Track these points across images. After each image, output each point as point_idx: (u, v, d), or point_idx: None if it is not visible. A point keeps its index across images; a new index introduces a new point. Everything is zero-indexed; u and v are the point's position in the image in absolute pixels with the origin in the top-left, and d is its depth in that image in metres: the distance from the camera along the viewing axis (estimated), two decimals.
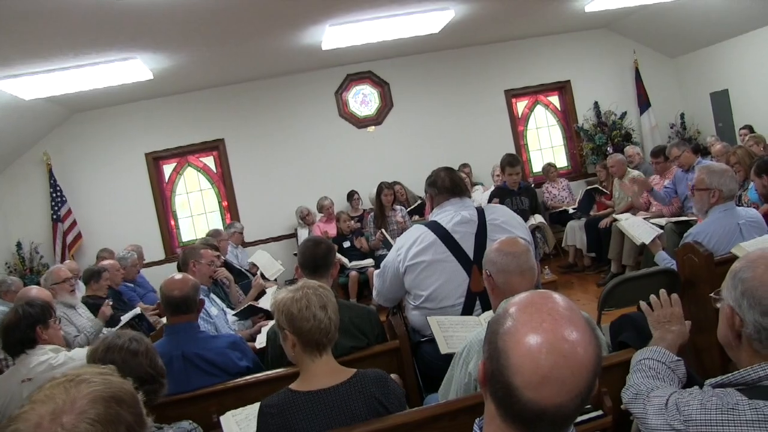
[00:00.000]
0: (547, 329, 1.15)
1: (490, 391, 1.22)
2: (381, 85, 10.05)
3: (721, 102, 9.98)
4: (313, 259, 3.23)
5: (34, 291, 4.58)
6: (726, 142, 8.29)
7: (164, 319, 3.48)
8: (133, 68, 6.96)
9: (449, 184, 3.39)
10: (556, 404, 1.14)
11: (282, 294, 2.29)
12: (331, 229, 8.84)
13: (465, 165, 9.58)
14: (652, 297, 2.31)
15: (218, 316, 4.31)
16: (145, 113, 9.25)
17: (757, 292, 1.53)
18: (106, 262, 6.35)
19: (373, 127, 10.01)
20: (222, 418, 2.62)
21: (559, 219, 9.11)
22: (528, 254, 2.49)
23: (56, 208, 8.68)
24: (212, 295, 4.73)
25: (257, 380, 3.05)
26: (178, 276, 3.32)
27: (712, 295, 1.70)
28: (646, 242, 5.04)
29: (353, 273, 7.99)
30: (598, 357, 1.18)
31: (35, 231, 8.73)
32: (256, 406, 2.28)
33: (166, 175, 9.63)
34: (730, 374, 1.60)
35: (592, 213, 8.36)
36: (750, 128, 8.52)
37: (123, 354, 2.28)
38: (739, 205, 5.07)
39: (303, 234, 9.12)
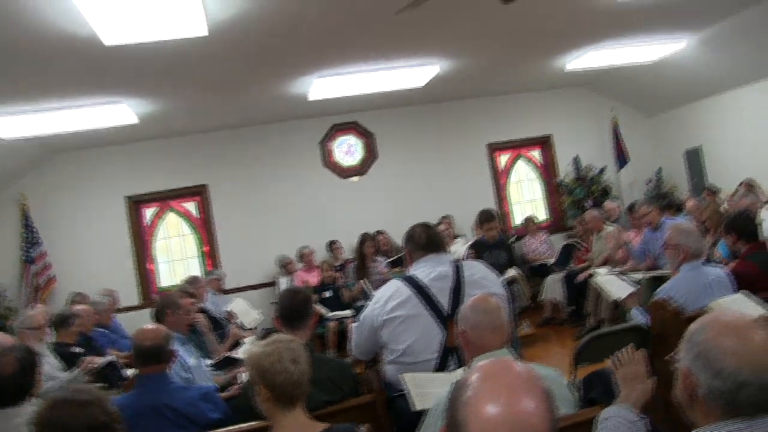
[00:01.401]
0: (505, 402, 1.20)
1: None
2: (366, 135, 10.15)
3: (694, 159, 10.19)
4: (292, 310, 3.24)
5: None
6: (699, 199, 8.44)
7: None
8: (118, 112, 7.00)
9: (425, 240, 3.43)
10: None
11: (254, 349, 2.30)
12: (312, 278, 8.82)
13: (445, 217, 9.63)
14: (619, 353, 2.34)
15: (196, 367, 4.27)
16: (128, 156, 9.24)
17: (710, 354, 1.57)
18: (79, 307, 6.18)
19: (357, 177, 10.07)
20: None
21: (538, 272, 9.15)
22: (500, 311, 2.53)
23: (28, 249, 8.52)
24: (189, 345, 4.69)
25: None
26: (151, 326, 3.29)
27: (668, 357, 1.74)
28: (621, 298, 5.09)
29: (332, 323, 7.95)
30: (553, 426, 1.22)
31: (2, 272, 8.53)
32: None
33: (147, 218, 9.59)
34: None
35: (570, 267, 8.41)
36: (710, 189, 8.67)
37: (71, 408, 2.20)
38: (710, 261, 5.17)
39: (283, 282, 9.09)
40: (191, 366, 4.20)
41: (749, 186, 7.72)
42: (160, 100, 7.21)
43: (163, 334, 3.20)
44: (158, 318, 4.44)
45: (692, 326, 1.68)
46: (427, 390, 2.84)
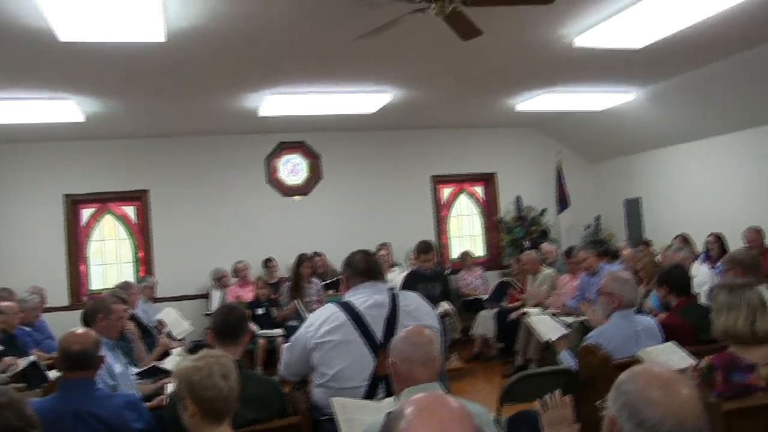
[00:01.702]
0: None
1: None
2: (312, 156, 10.17)
3: (633, 209, 10.51)
4: (227, 326, 3.23)
5: None
6: (634, 248, 8.68)
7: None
8: (65, 108, 6.89)
9: (364, 267, 3.45)
10: None
11: (184, 363, 2.29)
12: (246, 294, 8.75)
13: (384, 245, 9.67)
14: (547, 397, 2.39)
15: (122, 374, 4.19)
16: (71, 154, 9.09)
17: (635, 405, 1.63)
18: (4, 304, 6.02)
19: (299, 197, 10.07)
20: None
21: (471, 306, 9.26)
22: (432, 345, 2.54)
23: None
24: (117, 351, 4.60)
25: None
26: (80, 330, 3.22)
27: (597, 404, 1.80)
28: (552, 340, 5.17)
29: (262, 341, 7.88)
30: None
31: None
32: None
33: (84, 219, 9.39)
34: None
35: (503, 304, 8.52)
36: (646, 243, 8.94)
37: None
38: (641, 312, 5.31)
39: (216, 296, 8.99)
40: (117, 373, 4.12)
41: (684, 240, 7.99)
42: (110, 101, 7.12)
43: (92, 339, 3.13)
44: (88, 321, 4.34)
45: (622, 375, 1.74)
46: (355, 416, 2.85)
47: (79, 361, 3.05)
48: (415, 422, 1.27)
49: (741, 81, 7.49)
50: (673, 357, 3.62)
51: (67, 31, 4.61)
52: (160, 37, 4.89)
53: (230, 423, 2.31)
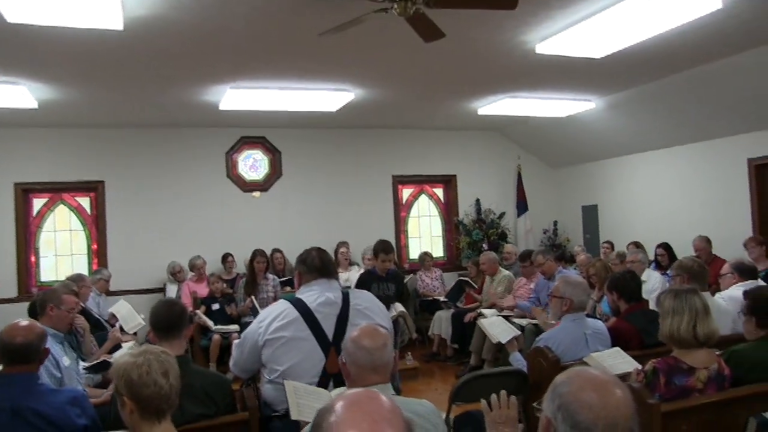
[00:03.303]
0: (366, 429, 1.23)
1: None
2: (273, 152, 10.12)
3: (590, 215, 10.69)
4: (168, 322, 3.18)
5: None
6: (590, 254, 8.83)
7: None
8: (16, 94, 6.71)
9: (318, 264, 3.44)
10: None
11: (123, 359, 2.24)
12: (201, 290, 8.66)
13: (343, 243, 9.67)
14: (493, 397, 2.40)
15: (69, 368, 4.10)
16: (22, 141, 8.87)
17: (570, 407, 1.65)
18: None
19: (258, 192, 10.01)
20: None
21: (428, 307, 9.31)
22: (384, 349, 2.53)
23: None
24: (65, 345, 4.52)
25: None
26: (24, 322, 3.14)
27: (534, 404, 1.81)
28: (503, 342, 5.22)
29: (216, 337, 7.81)
30: None
31: None
32: None
33: (35, 209, 9.20)
34: None
35: (459, 305, 8.58)
36: (611, 244, 9.14)
37: None
38: (593, 316, 5.39)
39: (172, 290, 8.90)
40: (65, 366, 4.04)
41: (636, 247, 8.13)
42: (65, 89, 6.96)
43: (36, 332, 3.06)
44: (36, 312, 4.26)
45: (558, 377, 1.76)
46: (306, 402, 2.85)
47: (22, 354, 2.97)
48: (345, 415, 1.27)
49: (694, 96, 7.70)
50: (618, 361, 3.69)
51: (15, 12, 4.42)
52: (117, 24, 4.78)
53: (171, 420, 2.27)
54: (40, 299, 4.45)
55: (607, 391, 1.66)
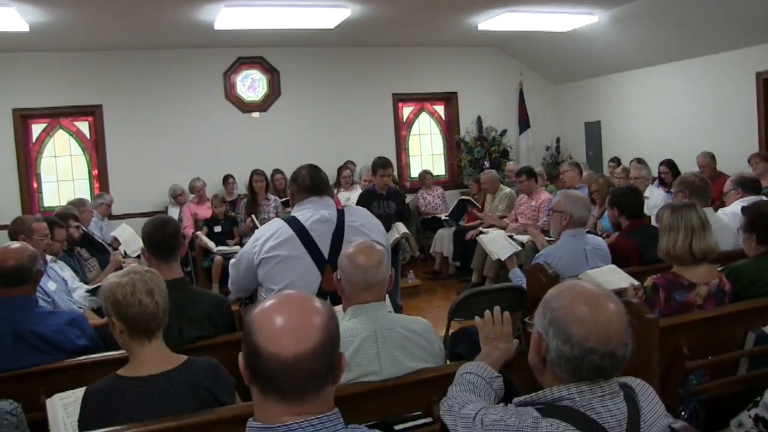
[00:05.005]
0: (288, 312, 1.41)
1: (250, 375, 1.44)
2: (271, 72, 9.95)
3: (593, 132, 10.56)
4: (164, 242, 3.11)
5: None
6: (592, 171, 8.78)
7: None
8: (6, 17, 6.52)
9: (309, 183, 3.38)
10: (293, 355, 1.36)
11: (109, 280, 2.23)
12: (202, 212, 8.68)
13: (351, 162, 9.62)
14: (486, 313, 2.39)
15: (57, 291, 4.12)
16: (18, 66, 8.70)
17: (561, 321, 1.63)
18: None
19: (257, 113, 9.90)
20: (48, 401, 2.47)
21: (430, 225, 9.35)
22: (378, 267, 2.53)
23: None
24: (57, 268, 4.53)
25: (92, 361, 2.93)
26: (15, 245, 3.13)
27: (526, 320, 1.80)
28: (502, 258, 5.22)
29: (218, 258, 7.85)
30: (326, 326, 1.42)
31: None
32: None
33: (35, 135, 9.13)
34: (532, 394, 1.70)
35: (461, 223, 8.58)
36: (617, 161, 9.06)
37: None
38: (594, 233, 5.37)
39: (174, 213, 8.91)
40: (52, 291, 4.05)
41: (640, 163, 8.06)
42: (56, 10, 6.76)
43: (28, 253, 3.04)
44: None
45: (549, 292, 1.75)
46: None
47: (13, 276, 2.97)
48: (270, 302, 1.46)
49: (701, 7, 7.45)
50: (613, 278, 3.67)
51: None
52: None
53: (161, 338, 2.27)
54: (10, 231, 4.44)
55: (599, 304, 1.65)
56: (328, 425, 1.40)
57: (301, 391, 1.39)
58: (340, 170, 9.43)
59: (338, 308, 2.94)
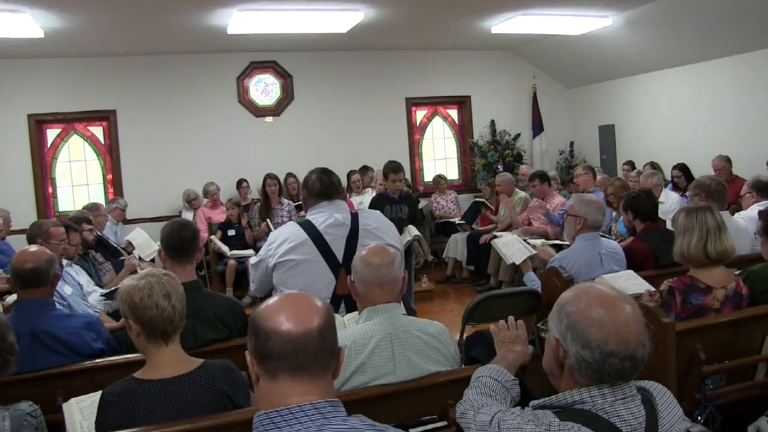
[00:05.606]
0: (292, 310, 1.54)
1: (261, 360, 1.53)
2: (284, 76, 9.97)
3: (607, 135, 10.51)
4: (182, 244, 3.14)
5: None
6: (606, 174, 8.74)
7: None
8: (21, 23, 6.57)
9: (318, 188, 3.38)
10: (303, 331, 1.49)
11: (126, 282, 2.24)
12: (216, 216, 8.72)
13: (368, 167, 9.60)
14: (501, 321, 2.39)
15: (73, 295, 4.15)
16: (34, 72, 8.76)
17: (579, 326, 1.62)
18: None
19: (271, 117, 9.92)
20: (64, 405, 2.49)
21: (443, 229, 9.33)
22: (391, 266, 2.53)
23: None
24: (73, 272, 4.55)
25: (109, 364, 2.96)
26: (34, 248, 3.16)
27: (539, 325, 1.79)
28: (517, 263, 5.20)
29: (231, 262, 7.88)
30: (326, 311, 1.58)
31: None
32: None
33: (49, 140, 9.19)
34: (550, 397, 1.69)
35: (475, 227, 8.56)
36: (631, 164, 9.01)
37: None
38: (609, 236, 5.35)
39: (187, 217, 8.90)
40: (68, 295, 4.08)
41: (653, 167, 8.02)
42: (70, 16, 6.81)
43: (45, 257, 3.06)
44: None
45: (563, 296, 1.73)
46: None
47: (31, 278, 2.99)
48: (277, 302, 1.57)
49: (718, 8, 7.38)
50: (629, 283, 3.64)
51: None
52: None
53: (178, 341, 2.28)
54: (28, 235, 4.49)
55: (616, 307, 1.63)
56: (329, 408, 1.50)
57: (309, 367, 1.51)
58: (349, 175, 9.41)
59: (353, 315, 2.94)
